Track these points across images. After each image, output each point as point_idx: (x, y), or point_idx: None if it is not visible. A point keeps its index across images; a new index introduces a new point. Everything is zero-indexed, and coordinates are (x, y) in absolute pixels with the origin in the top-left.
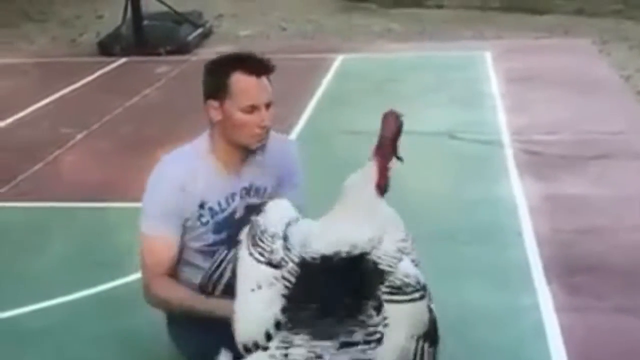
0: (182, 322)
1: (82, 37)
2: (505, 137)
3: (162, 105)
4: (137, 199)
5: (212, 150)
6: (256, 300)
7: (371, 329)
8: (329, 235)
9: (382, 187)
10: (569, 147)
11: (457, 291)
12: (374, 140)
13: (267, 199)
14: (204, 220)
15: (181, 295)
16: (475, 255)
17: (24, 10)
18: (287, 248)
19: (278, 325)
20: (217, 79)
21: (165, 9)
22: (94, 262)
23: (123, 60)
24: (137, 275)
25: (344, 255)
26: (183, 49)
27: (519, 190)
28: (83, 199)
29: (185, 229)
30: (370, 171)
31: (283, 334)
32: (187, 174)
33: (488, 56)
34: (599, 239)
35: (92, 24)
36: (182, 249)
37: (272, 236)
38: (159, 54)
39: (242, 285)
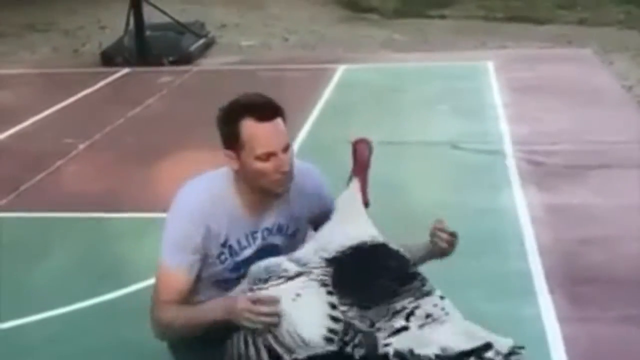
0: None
1: (85, 48)
2: (508, 147)
3: (164, 115)
4: (140, 209)
5: (235, 189)
6: (306, 302)
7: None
8: (346, 232)
9: (366, 203)
10: (571, 157)
11: (459, 300)
12: (377, 151)
13: (293, 237)
14: (222, 258)
15: (183, 313)
16: (477, 265)
17: (27, 20)
18: (302, 264)
19: (334, 306)
20: (227, 129)
21: (167, 19)
22: (96, 273)
23: (125, 70)
24: (138, 286)
25: (369, 244)
26: (185, 59)
27: (521, 200)
28: (85, 209)
29: (203, 263)
30: (355, 189)
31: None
32: (211, 209)
33: (491, 66)
34: (602, 249)
35: (94, 34)
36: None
37: (278, 264)
38: (161, 65)
39: (283, 303)
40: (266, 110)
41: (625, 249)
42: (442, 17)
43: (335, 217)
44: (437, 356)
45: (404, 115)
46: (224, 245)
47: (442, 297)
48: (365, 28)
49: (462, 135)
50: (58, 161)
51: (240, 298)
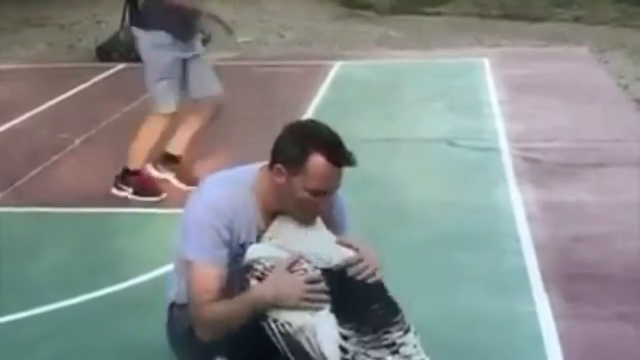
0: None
1: (81, 43)
2: (504, 144)
3: None
4: (135, 204)
5: (258, 193)
6: (325, 318)
7: None
8: (332, 246)
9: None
10: (567, 155)
11: (455, 297)
12: (373, 148)
13: None
14: (239, 259)
15: (230, 307)
16: (472, 262)
17: (22, 15)
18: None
19: (344, 337)
20: (294, 152)
21: None
22: (92, 268)
23: (121, 66)
24: (135, 281)
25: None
26: None
27: (517, 197)
28: (81, 205)
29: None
30: None
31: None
32: (235, 203)
33: (486, 63)
34: (597, 246)
35: (90, 29)
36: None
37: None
38: None
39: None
40: (342, 158)
41: (620, 246)
42: (438, 14)
43: (315, 229)
44: None
45: (399, 112)
46: (242, 246)
47: (415, 333)
48: (361, 25)
49: (457, 132)
50: (54, 156)
51: (293, 284)
